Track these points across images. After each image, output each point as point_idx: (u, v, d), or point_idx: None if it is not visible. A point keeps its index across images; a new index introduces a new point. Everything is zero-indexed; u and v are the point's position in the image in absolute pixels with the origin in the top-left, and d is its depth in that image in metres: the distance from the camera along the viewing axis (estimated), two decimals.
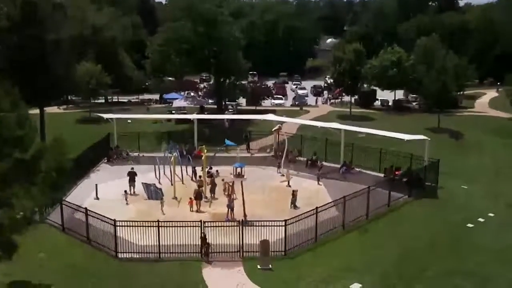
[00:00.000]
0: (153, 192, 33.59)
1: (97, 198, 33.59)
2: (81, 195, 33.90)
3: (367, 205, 30.65)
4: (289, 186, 35.90)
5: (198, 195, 32.13)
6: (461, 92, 70.73)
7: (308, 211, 27.23)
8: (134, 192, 34.58)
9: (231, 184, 30.65)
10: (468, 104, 73.63)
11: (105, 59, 62.72)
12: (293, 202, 32.01)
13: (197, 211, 31.25)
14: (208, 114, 61.74)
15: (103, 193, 34.06)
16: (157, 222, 25.36)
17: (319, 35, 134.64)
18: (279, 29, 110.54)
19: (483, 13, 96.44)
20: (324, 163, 40.71)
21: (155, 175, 37.27)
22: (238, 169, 29.64)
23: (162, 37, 57.62)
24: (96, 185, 34.17)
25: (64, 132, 51.36)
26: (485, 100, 79.52)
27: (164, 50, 56.56)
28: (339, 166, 40.15)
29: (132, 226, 25.48)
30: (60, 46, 39.00)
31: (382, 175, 38.12)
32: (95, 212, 26.67)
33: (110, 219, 25.59)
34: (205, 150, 35.00)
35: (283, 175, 37.88)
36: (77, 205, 28.40)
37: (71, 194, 34.14)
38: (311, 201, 32.24)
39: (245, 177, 30.05)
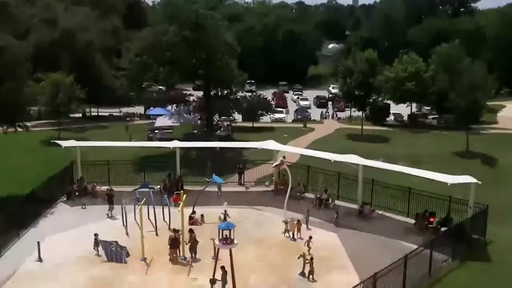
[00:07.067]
0: (114, 253, 25.24)
1: (40, 260, 25.27)
2: (19, 253, 25.90)
3: (404, 280, 22.32)
4: (294, 239, 27.94)
5: (174, 243, 25.47)
6: None
7: None
8: (111, 215, 30.52)
9: (217, 247, 22.36)
10: (489, 118, 65.44)
11: (80, 67, 54.19)
12: (304, 271, 23.88)
13: (171, 260, 25.22)
14: (196, 132, 54.18)
15: (50, 251, 25.64)
16: None
17: (321, 40, 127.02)
18: (279, 34, 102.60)
19: (502, 17, 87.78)
20: (337, 202, 32.98)
21: (123, 222, 28.87)
22: (226, 232, 21.12)
23: (140, 44, 48.54)
24: (39, 242, 25.58)
25: (18, 160, 44.22)
26: (507, 114, 71.74)
27: (143, 60, 47.73)
28: (356, 207, 32.04)
29: None
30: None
31: (409, 219, 30.56)
32: None
33: None
34: (184, 196, 26.68)
35: (286, 222, 29.35)
36: None
37: (7, 252, 26.09)
38: (324, 263, 24.49)
39: (235, 242, 21.55)
